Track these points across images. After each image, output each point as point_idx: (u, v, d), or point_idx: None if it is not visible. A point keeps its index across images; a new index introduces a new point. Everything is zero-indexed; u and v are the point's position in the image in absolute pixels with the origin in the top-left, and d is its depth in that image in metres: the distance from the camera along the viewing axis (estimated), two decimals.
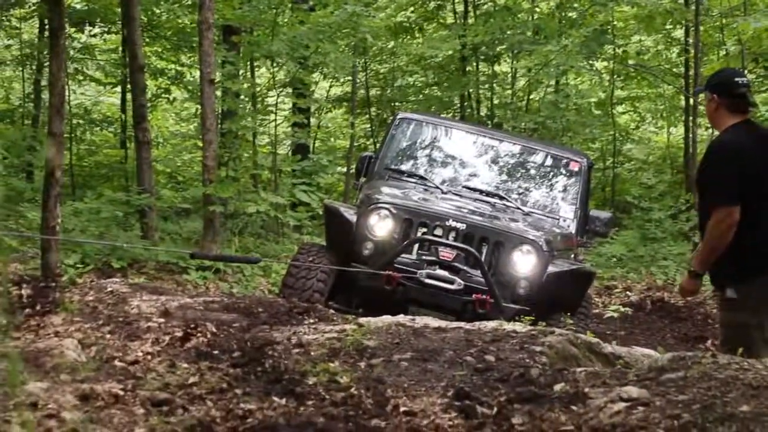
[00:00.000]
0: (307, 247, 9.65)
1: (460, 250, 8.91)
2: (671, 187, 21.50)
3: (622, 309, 9.92)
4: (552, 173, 10.54)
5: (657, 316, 13.15)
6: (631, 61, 22.57)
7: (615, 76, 22.50)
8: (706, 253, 5.94)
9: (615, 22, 21.33)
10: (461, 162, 10.59)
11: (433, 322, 6.31)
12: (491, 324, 6.29)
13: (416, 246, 9.06)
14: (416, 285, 8.82)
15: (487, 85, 21.42)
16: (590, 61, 21.76)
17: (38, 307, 5.94)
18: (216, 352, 5.31)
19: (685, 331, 12.25)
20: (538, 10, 22.06)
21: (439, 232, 9.05)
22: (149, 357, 5.21)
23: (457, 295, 8.80)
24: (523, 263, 8.98)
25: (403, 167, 10.43)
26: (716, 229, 5.79)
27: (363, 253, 9.10)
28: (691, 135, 19.52)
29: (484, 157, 10.58)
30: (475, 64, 21.77)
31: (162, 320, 5.87)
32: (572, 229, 10.08)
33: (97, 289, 6.50)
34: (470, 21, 21.37)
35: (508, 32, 20.40)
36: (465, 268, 8.92)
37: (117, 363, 5.06)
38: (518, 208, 9.97)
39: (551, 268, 9.03)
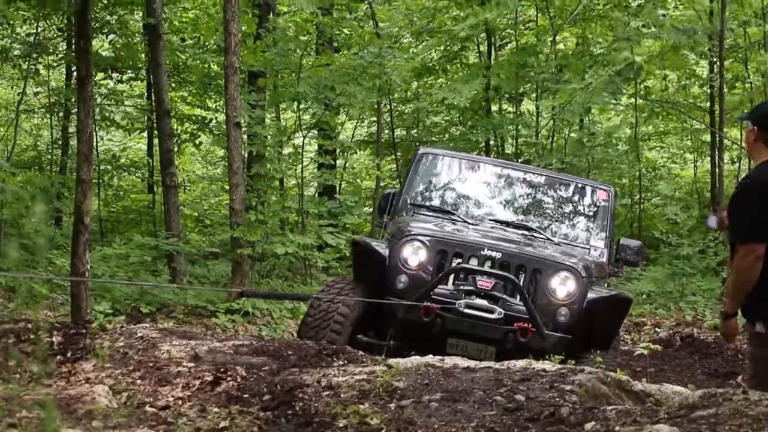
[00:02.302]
0: (332, 283, 9.45)
1: (498, 278, 8.78)
2: (699, 222, 21.41)
3: (652, 346, 9.85)
4: (579, 203, 10.42)
5: (686, 352, 13.07)
6: (654, 97, 22.58)
7: (639, 112, 22.49)
8: (733, 291, 5.91)
9: (638, 58, 21.30)
10: (486, 195, 10.47)
11: (462, 362, 6.29)
12: (520, 363, 6.28)
13: (452, 277, 8.92)
14: (455, 316, 8.66)
15: (511, 125, 21.44)
16: (615, 98, 21.77)
17: (69, 354, 5.98)
18: (246, 395, 5.33)
19: (715, 367, 12.17)
20: (562, 46, 22.11)
21: (474, 262, 8.91)
22: (180, 402, 5.23)
23: (498, 325, 8.64)
24: (563, 290, 8.85)
25: (428, 202, 10.31)
26: (740, 266, 5.76)
27: (397, 286, 8.93)
28: (717, 170, 19.48)
29: (508, 189, 10.47)
30: (498, 103, 21.82)
31: (192, 365, 5.89)
32: (603, 258, 9.96)
33: (127, 335, 6.52)
34: (493, 61, 21.42)
35: (531, 72, 20.44)
36: (504, 296, 8.77)
37: (148, 408, 5.08)
38: (548, 239, 9.86)
39: (591, 295, 8.93)
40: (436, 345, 8.59)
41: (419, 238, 9.10)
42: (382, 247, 9.37)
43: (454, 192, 10.51)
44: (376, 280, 9.15)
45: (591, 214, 10.33)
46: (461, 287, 8.85)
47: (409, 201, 10.27)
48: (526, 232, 9.90)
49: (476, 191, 10.51)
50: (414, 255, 9.00)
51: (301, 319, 9.39)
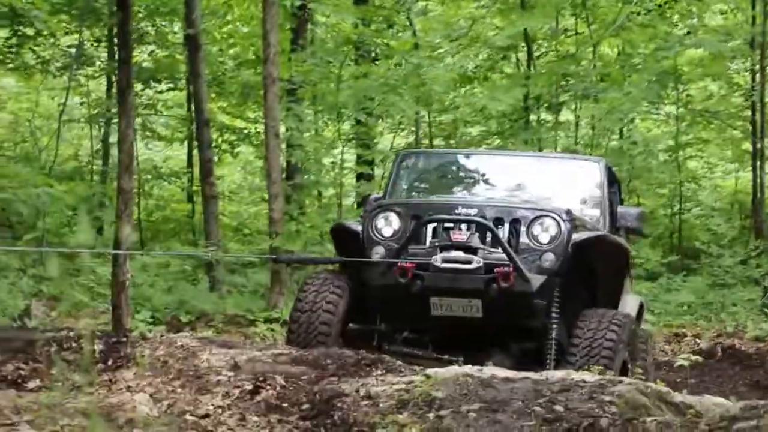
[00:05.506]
0: (314, 275, 9.09)
1: (470, 222, 8.45)
2: (740, 233, 21.25)
3: (693, 357, 9.73)
4: (569, 180, 9.96)
5: (728, 363, 12.98)
6: (697, 106, 22.47)
7: (680, 121, 22.37)
8: None
9: (680, 66, 21.25)
10: (471, 184, 10.30)
11: (501, 372, 6.29)
12: (559, 374, 6.27)
13: (429, 237, 8.59)
14: (432, 272, 8.32)
15: (550, 134, 21.39)
16: (656, 105, 21.70)
17: (110, 362, 6.02)
18: (285, 404, 5.34)
19: (757, 379, 12.08)
20: (607, 51, 22.06)
21: (450, 225, 8.55)
22: (220, 410, 5.26)
23: (478, 274, 8.30)
24: (545, 236, 8.53)
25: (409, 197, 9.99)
26: None
27: (373, 259, 8.62)
28: (759, 180, 19.35)
29: (494, 175, 10.17)
30: (537, 114, 21.78)
31: (231, 374, 5.91)
32: (601, 227, 9.46)
33: (167, 344, 6.56)
34: (532, 70, 21.41)
35: (571, 81, 20.42)
36: (482, 247, 8.43)
37: (188, 417, 5.10)
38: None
39: (576, 236, 8.57)
40: (424, 315, 8.39)
41: (391, 207, 8.87)
42: (355, 224, 9.15)
43: (438, 186, 10.28)
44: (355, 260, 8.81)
45: (582, 187, 9.89)
46: (436, 244, 8.52)
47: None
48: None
49: (461, 181, 10.34)
50: (387, 225, 8.71)
51: (287, 326, 9.06)
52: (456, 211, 8.67)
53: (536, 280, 8.36)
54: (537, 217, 8.64)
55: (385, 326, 8.74)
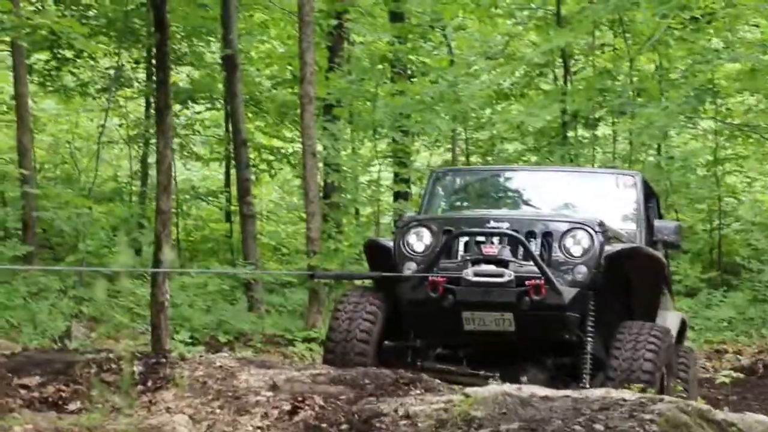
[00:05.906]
0: (349, 293, 9.07)
1: (501, 235, 8.45)
2: None
3: (734, 374, 9.62)
4: (605, 193, 9.94)
5: None
6: (737, 120, 22.33)
7: (718, 136, 22.24)
8: None
9: (718, 81, 21.14)
10: (506, 199, 10.33)
11: (540, 390, 6.26)
12: (599, 392, 6.23)
13: (461, 252, 8.58)
14: (464, 286, 8.29)
15: (587, 149, 21.33)
16: (693, 120, 21.60)
17: (150, 384, 6.04)
18: (324, 425, 5.35)
19: None
20: (642, 65, 21.98)
21: (481, 238, 8.56)
22: (259, 431, 5.26)
23: (510, 287, 8.26)
24: (578, 249, 8.48)
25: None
26: None
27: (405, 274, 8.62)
28: None
29: (529, 191, 10.18)
30: (575, 130, 21.71)
31: (270, 394, 5.92)
32: (637, 240, 9.43)
33: (206, 364, 6.57)
34: (569, 86, 21.35)
35: (608, 97, 20.36)
36: (513, 260, 8.39)
37: None
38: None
39: (609, 248, 8.53)
40: (457, 330, 8.36)
41: (422, 222, 8.86)
42: (387, 240, 9.18)
43: (471, 203, 10.32)
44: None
45: (618, 201, 9.84)
46: (467, 258, 8.51)
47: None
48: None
49: (495, 197, 10.37)
50: (419, 241, 8.70)
51: (324, 346, 9.07)
52: (487, 225, 8.67)
53: (568, 293, 8.32)
54: (569, 230, 8.60)
55: (419, 342, 8.72)
